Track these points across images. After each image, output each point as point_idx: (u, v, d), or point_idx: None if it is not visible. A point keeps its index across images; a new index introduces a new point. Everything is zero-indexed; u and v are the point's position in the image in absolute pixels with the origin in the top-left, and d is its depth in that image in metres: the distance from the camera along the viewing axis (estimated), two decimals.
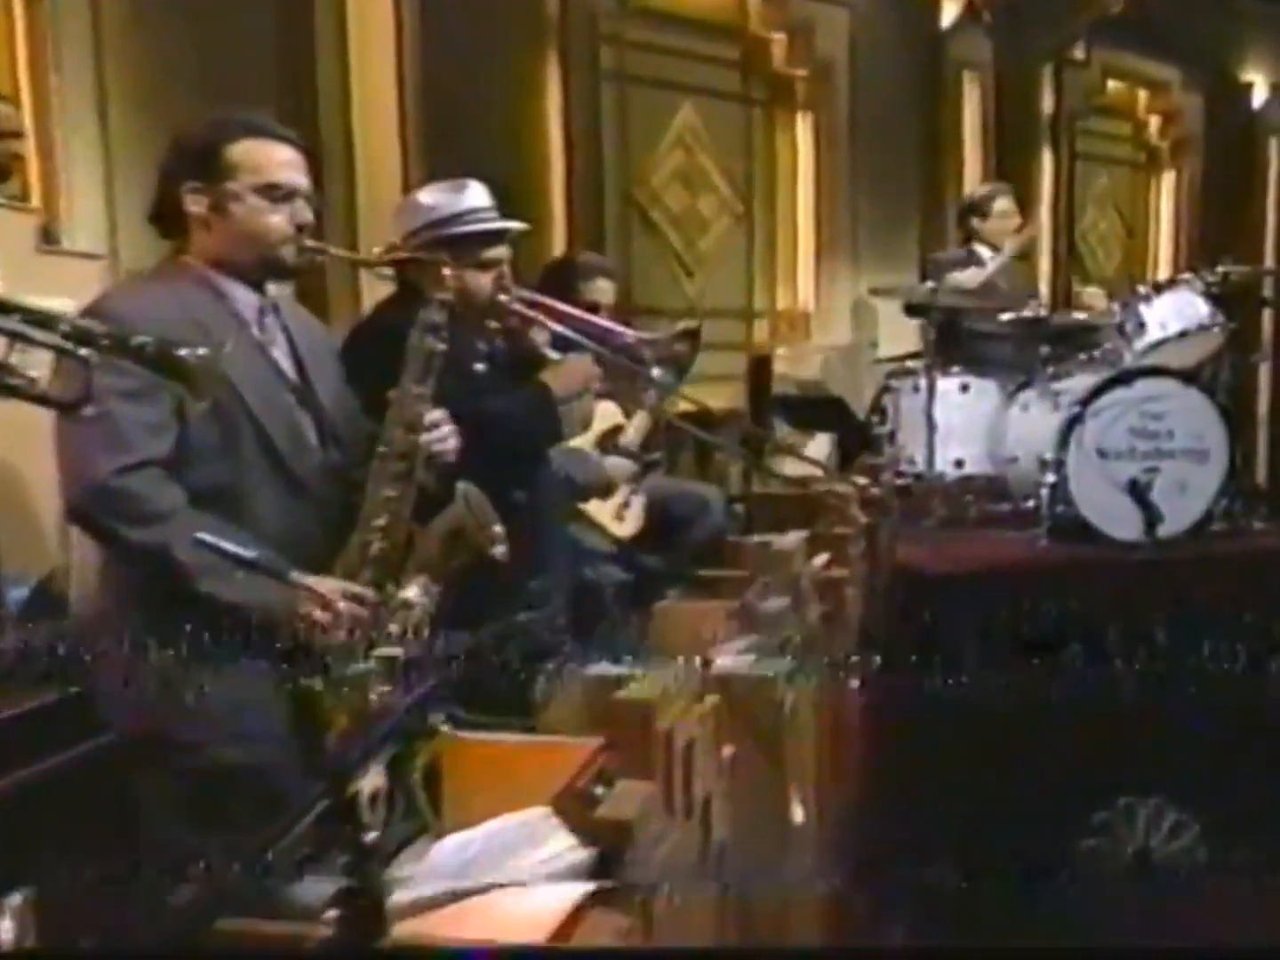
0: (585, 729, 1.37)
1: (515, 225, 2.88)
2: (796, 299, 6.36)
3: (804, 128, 6.28)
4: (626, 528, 3.46)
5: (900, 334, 5.46)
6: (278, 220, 2.03)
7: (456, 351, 2.31)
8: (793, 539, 2.24)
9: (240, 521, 1.95)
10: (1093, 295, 4.82)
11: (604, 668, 1.55)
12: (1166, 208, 8.53)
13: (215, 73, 3.66)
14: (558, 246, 4.84)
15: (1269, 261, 7.87)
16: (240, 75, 3.77)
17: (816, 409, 5.53)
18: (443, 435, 2.11)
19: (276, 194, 2.03)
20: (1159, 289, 4.07)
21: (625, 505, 3.44)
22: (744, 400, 5.86)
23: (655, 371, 2.96)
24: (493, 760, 1.32)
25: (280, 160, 2.04)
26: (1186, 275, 4.14)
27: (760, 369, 5.92)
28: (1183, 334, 4.03)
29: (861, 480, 3.30)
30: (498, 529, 1.98)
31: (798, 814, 1.68)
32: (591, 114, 5.22)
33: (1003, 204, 5.25)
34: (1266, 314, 4.75)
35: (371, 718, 1.63)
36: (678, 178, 5.81)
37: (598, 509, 3.39)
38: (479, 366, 2.84)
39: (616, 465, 3.37)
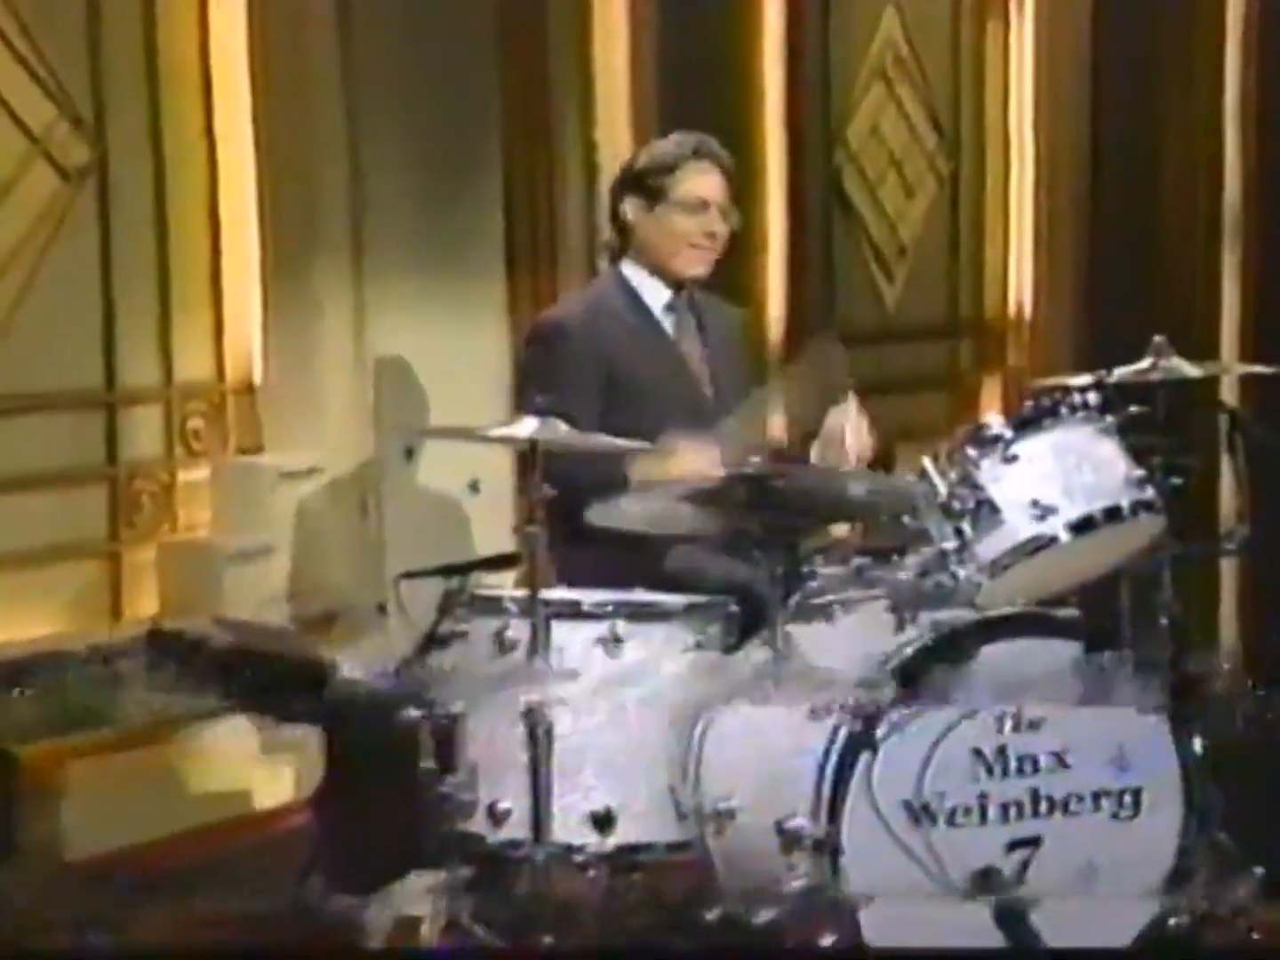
0: None
1: None
2: (224, 356, 6.35)
3: None
4: None
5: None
6: None
7: None
8: None
9: None
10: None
11: None
12: (1019, 90, 8.90)
13: None
14: None
15: (1229, 216, 8.27)
16: None
17: (268, 670, 5.13)
18: None
19: None
20: (1025, 425, 4.12)
21: None
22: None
23: None
24: None
25: None
26: (1078, 387, 4.21)
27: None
28: (1081, 526, 4.13)
29: None
30: None
31: None
32: None
33: (692, 183, 5.01)
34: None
35: None
36: None
37: None
38: None
39: None
